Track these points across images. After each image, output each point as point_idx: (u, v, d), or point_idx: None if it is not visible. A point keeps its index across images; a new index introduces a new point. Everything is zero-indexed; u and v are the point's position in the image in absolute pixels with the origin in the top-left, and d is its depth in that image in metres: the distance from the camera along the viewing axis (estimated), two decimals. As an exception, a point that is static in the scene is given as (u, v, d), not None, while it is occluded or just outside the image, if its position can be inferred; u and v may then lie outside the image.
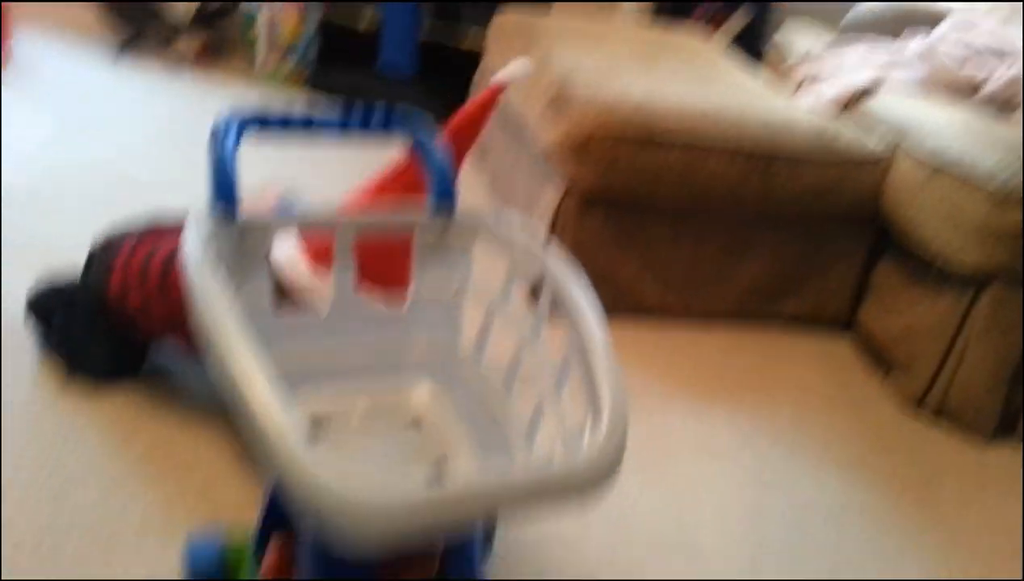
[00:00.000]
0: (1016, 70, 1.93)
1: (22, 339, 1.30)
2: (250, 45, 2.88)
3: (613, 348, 0.73)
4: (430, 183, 0.90)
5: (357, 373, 0.93)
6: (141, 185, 1.92)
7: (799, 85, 2.21)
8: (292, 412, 0.56)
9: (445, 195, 0.90)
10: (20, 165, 1.93)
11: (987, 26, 2.12)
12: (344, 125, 0.87)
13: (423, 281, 0.94)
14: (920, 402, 1.60)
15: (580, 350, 0.74)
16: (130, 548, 0.96)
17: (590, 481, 0.61)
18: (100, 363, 1.24)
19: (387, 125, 0.89)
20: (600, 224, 1.65)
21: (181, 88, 2.70)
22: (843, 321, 1.83)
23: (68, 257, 1.55)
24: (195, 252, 0.71)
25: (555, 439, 0.77)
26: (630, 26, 2.57)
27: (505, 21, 2.40)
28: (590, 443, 0.63)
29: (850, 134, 1.73)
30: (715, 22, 2.84)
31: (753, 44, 2.77)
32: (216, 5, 2.93)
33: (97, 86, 2.61)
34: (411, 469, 0.87)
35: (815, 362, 1.71)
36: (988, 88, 1.93)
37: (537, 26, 2.30)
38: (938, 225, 1.55)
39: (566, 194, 1.64)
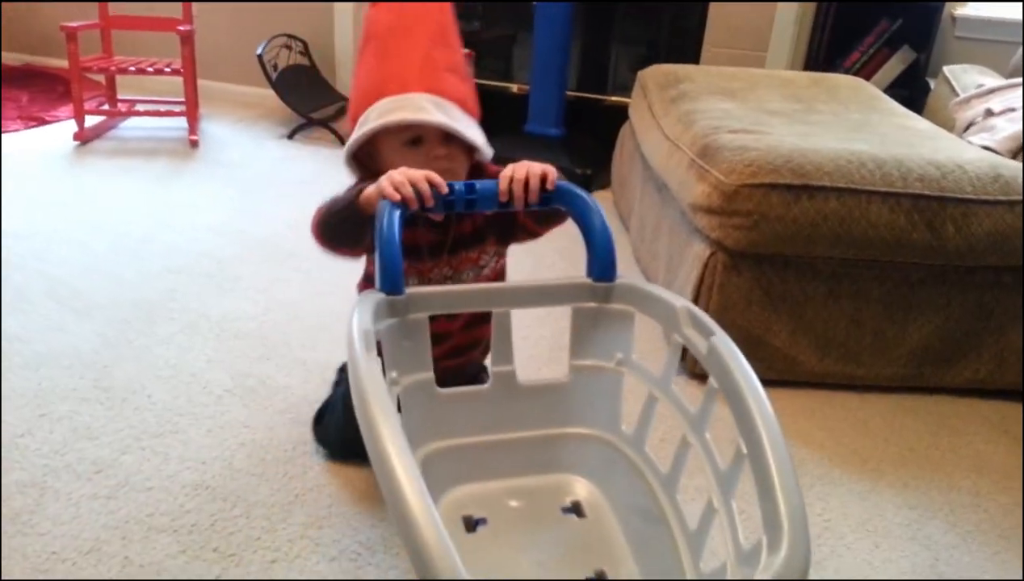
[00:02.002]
0: None
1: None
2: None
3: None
4: (590, 250, 0.91)
5: (517, 447, 0.93)
6: (306, 258, 2.05)
7: (969, 125, 2.06)
8: (440, 516, 0.55)
9: (606, 261, 0.91)
10: (201, 242, 2.13)
11: None
12: (504, 201, 0.88)
13: (584, 349, 0.93)
14: (1123, 484, 1.41)
15: (752, 451, 0.69)
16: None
17: None
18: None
19: (546, 196, 0.90)
20: (750, 284, 1.59)
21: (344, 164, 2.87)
22: (1026, 388, 1.66)
23: (239, 329, 1.70)
24: (359, 328, 0.73)
25: (727, 553, 0.72)
26: (781, 72, 2.50)
27: (650, 73, 2.39)
28: (768, 567, 0.58)
29: (1030, 174, 1.58)
30: (871, 66, 2.71)
31: (913, 88, 2.62)
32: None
33: (271, 165, 2.85)
34: (571, 572, 0.84)
35: (995, 434, 1.55)
36: None
37: (683, 76, 2.27)
38: None
39: (714, 252, 1.58)
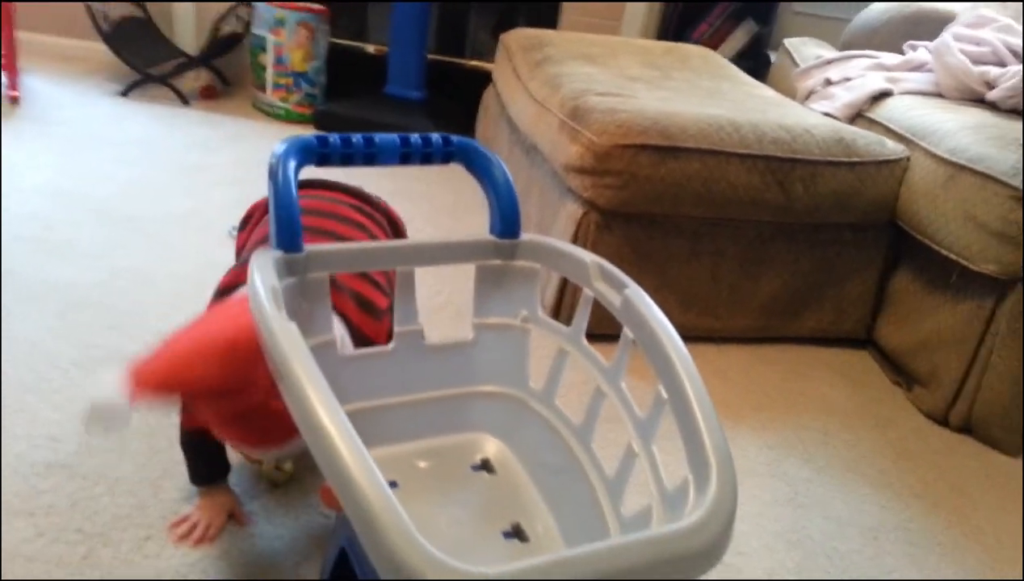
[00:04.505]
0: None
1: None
2: (260, 71, 2.88)
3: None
4: (493, 207, 0.89)
5: (424, 408, 0.90)
6: (148, 221, 1.92)
7: (809, 94, 2.20)
8: (379, 475, 0.52)
9: (510, 217, 0.88)
10: (28, 205, 1.94)
11: (1002, 21, 2.04)
12: (405, 153, 0.84)
13: (489, 307, 0.91)
14: (944, 418, 1.58)
15: (673, 396, 0.68)
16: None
17: (702, 553, 0.53)
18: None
19: (447, 152, 0.87)
20: (620, 242, 1.63)
21: (186, 123, 2.70)
22: (863, 334, 1.81)
23: (81, 297, 1.56)
24: (265, 285, 0.67)
25: (651, 496, 0.71)
26: (637, 40, 2.57)
27: (513, 37, 2.39)
28: (698, 507, 0.57)
29: (867, 137, 1.72)
30: (717, 38, 2.84)
31: (756, 60, 2.78)
32: (228, 30, 2.94)
33: (104, 123, 2.62)
34: (488, 527, 0.82)
35: (837, 378, 1.69)
36: (1002, 86, 1.85)
37: (546, 40, 2.29)
38: (958, 228, 1.52)
39: (587, 212, 1.61)
